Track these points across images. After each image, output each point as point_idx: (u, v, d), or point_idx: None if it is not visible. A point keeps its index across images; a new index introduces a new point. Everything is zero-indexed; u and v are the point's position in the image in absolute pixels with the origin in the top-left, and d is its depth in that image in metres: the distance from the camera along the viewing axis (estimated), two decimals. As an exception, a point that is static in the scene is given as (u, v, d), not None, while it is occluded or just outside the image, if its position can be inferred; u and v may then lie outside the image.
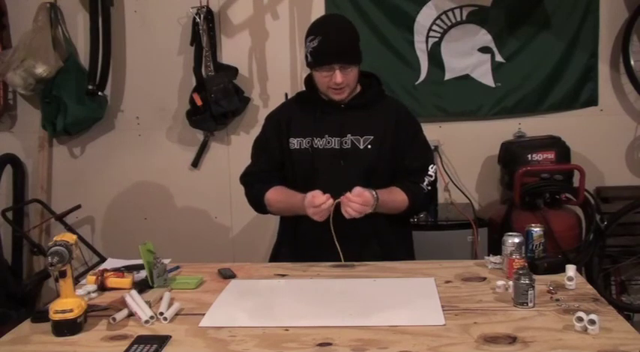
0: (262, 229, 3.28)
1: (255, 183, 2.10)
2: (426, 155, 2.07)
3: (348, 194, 1.79)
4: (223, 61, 3.37)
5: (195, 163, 3.47)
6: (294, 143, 2.01)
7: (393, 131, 2.00)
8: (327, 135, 1.98)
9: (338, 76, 1.90)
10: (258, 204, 2.09)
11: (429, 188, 2.02)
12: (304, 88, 2.11)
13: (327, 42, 1.90)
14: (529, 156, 3.01)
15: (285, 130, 2.03)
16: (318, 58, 1.92)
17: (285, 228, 2.13)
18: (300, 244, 2.02)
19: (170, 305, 1.55)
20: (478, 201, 3.39)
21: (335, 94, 1.96)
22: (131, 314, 1.50)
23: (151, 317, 1.47)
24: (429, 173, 2.02)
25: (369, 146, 1.96)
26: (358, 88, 2.04)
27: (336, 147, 1.97)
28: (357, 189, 1.81)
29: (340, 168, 1.96)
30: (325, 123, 1.99)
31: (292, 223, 2.03)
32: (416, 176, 2.01)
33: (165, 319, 1.47)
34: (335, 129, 1.98)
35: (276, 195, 2.02)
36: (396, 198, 1.96)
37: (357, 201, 1.78)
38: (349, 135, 1.97)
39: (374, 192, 1.86)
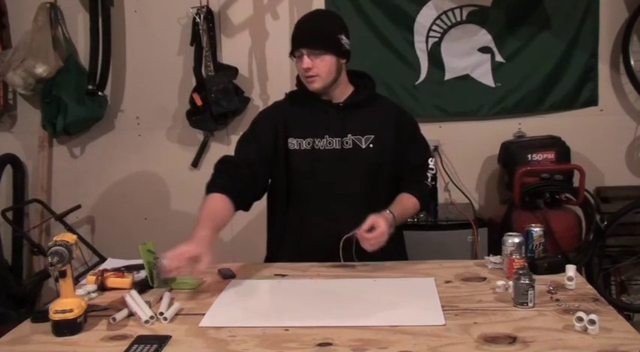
0: (262, 229, 3.26)
1: (226, 171, 1.92)
2: (426, 150, 2.10)
3: (361, 231, 1.76)
4: (223, 61, 3.37)
5: (195, 163, 3.47)
6: (294, 143, 1.96)
7: (392, 129, 2.00)
8: (327, 136, 1.95)
9: (305, 61, 1.88)
10: (206, 193, 1.89)
11: (433, 183, 2.06)
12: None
13: (298, 28, 1.94)
14: (529, 156, 3.01)
15: (282, 130, 1.97)
16: (291, 45, 1.94)
17: (287, 232, 2.05)
18: (303, 248, 1.98)
19: (170, 305, 1.54)
20: (478, 201, 3.39)
21: (308, 82, 1.93)
22: (131, 314, 1.50)
23: (151, 317, 1.46)
24: (430, 166, 2.05)
25: (371, 145, 1.96)
26: (351, 88, 2.02)
27: (337, 147, 1.95)
28: (369, 221, 1.77)
29: (342, 169, 1.95)
30: (324, 124, 1.97)
31: (297, 226, 2.00)
32: (418, 172, 2.03)
33: (165, 319, 1.47)
34: (335, 130, 1.96)
35: (207, 206, 1.82)
36: (408, 206, 1.98)
37: (370, 237, 1.76)
38: (350, 135, 1.96)
39: (389, 213, 1.85)
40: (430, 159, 2.06)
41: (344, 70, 1.99)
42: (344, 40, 1.94)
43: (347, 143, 1.95)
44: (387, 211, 1.85)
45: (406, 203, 1.97)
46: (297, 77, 2.02)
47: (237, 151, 2.01)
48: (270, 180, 2.04)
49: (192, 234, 1.69)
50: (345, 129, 1.96)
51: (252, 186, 1.95)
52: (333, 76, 1.93)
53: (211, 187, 1.88)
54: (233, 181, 1.88)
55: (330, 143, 1.95)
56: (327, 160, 1.95)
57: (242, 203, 1.91)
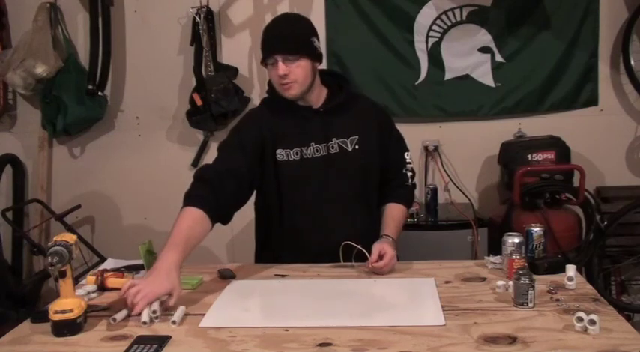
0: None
1: (209, 182, 1.79)
2: (402, 143, 2.12)
3: (372, 262, 1.77)
4: (223, 61, 3.37)
5: (195, 163, 3.47)
6: (282, 154, 1.90)
7: (374, 128, 1.99)
8: (313, 143, 1.91)
9: (280, 68, 1.81)
10: (183, 205, 1.77)
11: (412, 178, 2.10)
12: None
13: (268, 35, 1.89)
14: (529, 156, 3.01)
15: (269, 141, 1.90)
16: (262, 52, 1.88)
17: (281, 242, 2.01)
18: (300, 256, 1.96)
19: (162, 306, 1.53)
20: (478, 201, 3.39)
21: (284, 90, 1.86)
22: (130, 315, 1.50)
23: (153, 318, 1.46)
24: (407, 161, 2.09)
25: (357, 146, 1.94)
26: (324, 90, 1.98)
27: (324, 153, 1.92)
28: (375, 250, 1.79)
29: (332, 174, 1.93)
30: (308, 131, 1.93)
31: (291, 236, 1.98)
32: (398, 170, 2.06)
33: (174, 322, 1.45)
34: (319, 136, 1.92)
35: (181, 223, 1.70)
36: (400, 218, 2.02)
37: (382, 265, 1.78)
38: (334, 139, 1.93)
39: (389, 237, 1.89)
40: (406, 153, 2.09)
41: (317, 73, 1.95)
42: (316, 43, 1.91)
43: (333, 147, 1.93)
44: (385, 236, 1.90)
45: (397, 215, 2.01)
46: (269, 84, 1.97)
47: (220, 160, 1.89)
48: (256, 193, 1.99)
49: (161, 254, 1.60)
50: (329, 134, 1.93)
51: (235, 198, 1.84)
52: (309, 81, 1.88)
53: (189, 199, 1.76)
54: (215, 194, 1.76)
55: (317, 150, 1.92)
56: (316, 168, 1.92)
57: (221, 217, 1.81)
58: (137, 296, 1.48)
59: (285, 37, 1.86)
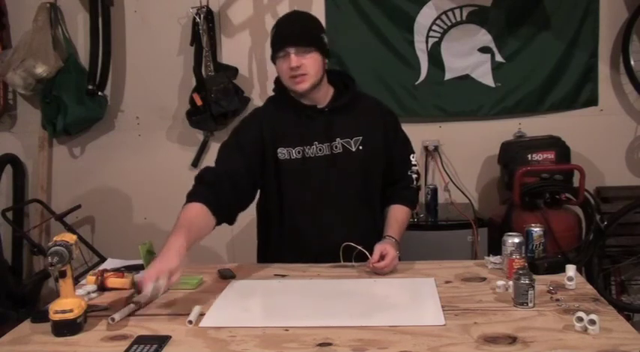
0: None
1: (208, 183, 1.81)
2: (408, 145, 2.10)
3: (372, 263, 1.77)
4: (223, 61, 3.37)
5: (195, 163, 3.47)
6: (284, 153, 1.90)
7: (380, 129, 1.98)
8: (316, 143, 1.91)
9: (293, 60, 1.81)
10: (185, 202, 1.80)
11: (417, 180, 2.08)
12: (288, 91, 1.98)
13: (281, 28, 1.89)
14: (529, 156, 3.01)
15: (270, 140, 1.90)
16: (274, 46, 1.88)
17: (282, 242, 2.01)
18: (301, 256, 1.95)
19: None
20: (478, 201, 3.39)
21: (295, 83, 1.85)
22: (130, 314, 1.50)
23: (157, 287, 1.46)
24: (413, 163, 2.07)
25: (361, 147, 1.93)
26: (331, 89, 1.98)
27: (327, 153, 1.91)
28: (377, 250, 1.79)
29: (334, 174, 1.92)
30: (312, 130, 1.92)
31: (292, 236, 1.97)
32: (403, 172, 2.05)
33: (190, 322, 1.45)
34: (323, 135, 1.92)
35: (184, 214, 1.73)
36: (403, 220, 2.01)
37: (383, 265, 1.77)
38: (338, 139, 1.92)
39: (391, 238, 1.89)
40: (412, 155, 2.08)
41: (325, 70, 1.94)
42: (325, 39, 1.92)
43: (336, 147, 1.92)
44: (388, 237, 1.89)
45: (401, 217, 2.00)
46: (276, 82, 1.98)
47: (219, 161, 1.91)
48: (258, 192, 1.98)
49: (166, 243, 1.58)
50: (332, 133, 1.92)
51: (237, 199, 1.85)
52: (320, 76, 1.89)
53: (191, 197, 1.78)
54: (216, 195, 1.78)
55: (320, 149, 1.91)
56: (318, 167, 1.91)
57: (225, 216, 1.82)
58: (147, 273, 1.48)
59: (298, 29, 1.88)
